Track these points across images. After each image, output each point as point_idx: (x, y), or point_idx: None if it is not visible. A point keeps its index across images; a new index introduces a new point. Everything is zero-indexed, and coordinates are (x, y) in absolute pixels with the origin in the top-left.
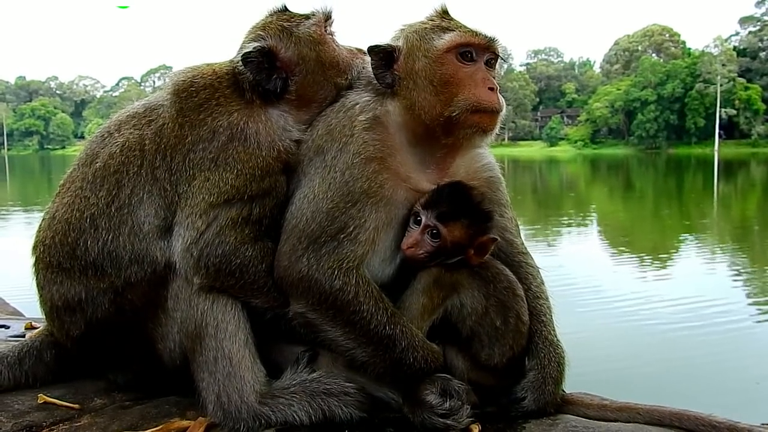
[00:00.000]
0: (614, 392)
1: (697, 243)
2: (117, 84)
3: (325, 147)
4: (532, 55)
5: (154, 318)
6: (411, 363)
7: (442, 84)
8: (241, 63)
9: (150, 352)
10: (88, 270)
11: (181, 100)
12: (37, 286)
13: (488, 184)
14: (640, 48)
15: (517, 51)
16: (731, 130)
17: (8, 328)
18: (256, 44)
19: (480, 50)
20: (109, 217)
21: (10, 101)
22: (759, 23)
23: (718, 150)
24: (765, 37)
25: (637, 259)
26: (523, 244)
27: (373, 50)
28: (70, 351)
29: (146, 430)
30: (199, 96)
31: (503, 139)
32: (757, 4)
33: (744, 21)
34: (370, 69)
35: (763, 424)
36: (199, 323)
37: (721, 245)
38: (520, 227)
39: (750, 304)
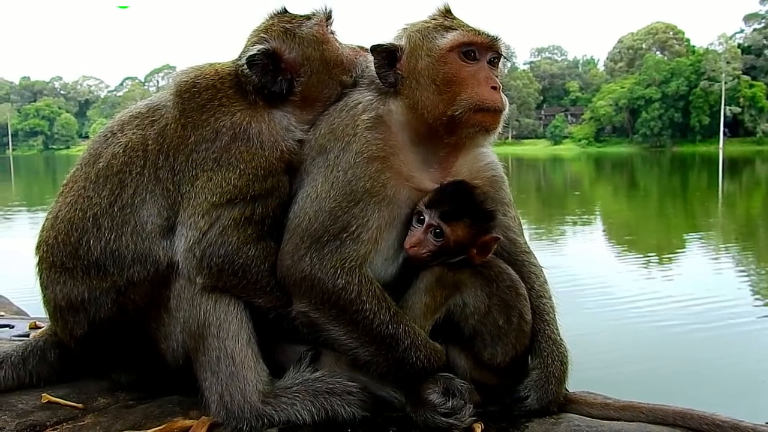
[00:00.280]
0: (617, 391)
1: (702, 242)
2: (121, 84)
3: (328, 146)
4: (536, 53)
5: (157, 318)
6: (414, 362)
7: (444, 83)
8: (245, 66)
9: (153, 352)
10: (91, 270)
11: (184, 100)
12: (41, 285)
13: (491, 183)
14: (644, 46)
15: (521, 49)
16: (736, 128)
17: (12, 327)
18: (260, 47)
19: (483, 49)
20: (112, 217)
21: (14, 101)
22: (764, 20)
23: (722, 148)
24: None
25: (642, 258)
26: (526, 243)
27: (376, 49)
28: (74, 351)
29: (149, 429)
30: (202, 96)
31: (507, 138)
32: (762, 2)
33: (749, 18)
34: (373, 68)
35: (767, 423)
36: (201, 323)
37: (726, 244)
38: (524, 226)
39: (755, 303)
